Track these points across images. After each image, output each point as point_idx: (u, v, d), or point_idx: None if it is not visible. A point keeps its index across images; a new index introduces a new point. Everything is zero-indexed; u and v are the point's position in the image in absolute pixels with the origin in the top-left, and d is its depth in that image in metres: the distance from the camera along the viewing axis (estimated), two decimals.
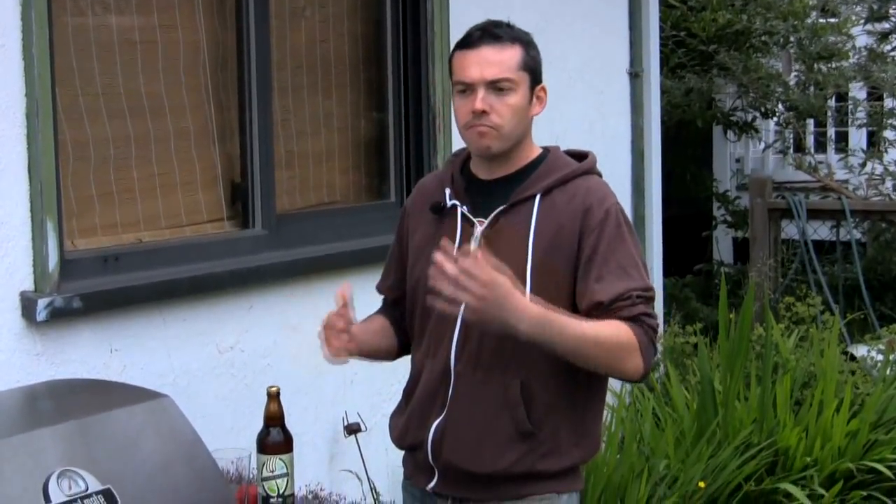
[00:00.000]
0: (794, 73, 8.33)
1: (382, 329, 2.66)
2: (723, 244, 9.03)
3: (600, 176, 2.56)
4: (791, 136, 8.64)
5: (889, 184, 8.12)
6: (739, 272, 7.88)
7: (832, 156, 8.85)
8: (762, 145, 9.12)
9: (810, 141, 8.93)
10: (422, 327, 2.55)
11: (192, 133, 3.69)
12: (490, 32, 2.45)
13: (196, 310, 3.49)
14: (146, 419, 2.57)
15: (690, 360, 5.34)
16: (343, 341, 2.46)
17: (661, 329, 5.69)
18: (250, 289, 3.66)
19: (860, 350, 5.69)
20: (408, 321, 2.63)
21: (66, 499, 2.29)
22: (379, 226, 4.07)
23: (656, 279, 5.75)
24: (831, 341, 4.98)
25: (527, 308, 2.28)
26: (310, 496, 3.49)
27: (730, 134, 9.02)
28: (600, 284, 2.39)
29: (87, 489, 2.33)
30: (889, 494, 4.36)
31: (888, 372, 5.00)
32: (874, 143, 8.49)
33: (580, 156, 2.57)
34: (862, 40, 8.48)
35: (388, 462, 3.79)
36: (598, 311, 2.39)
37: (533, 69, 2.48)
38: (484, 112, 2.41)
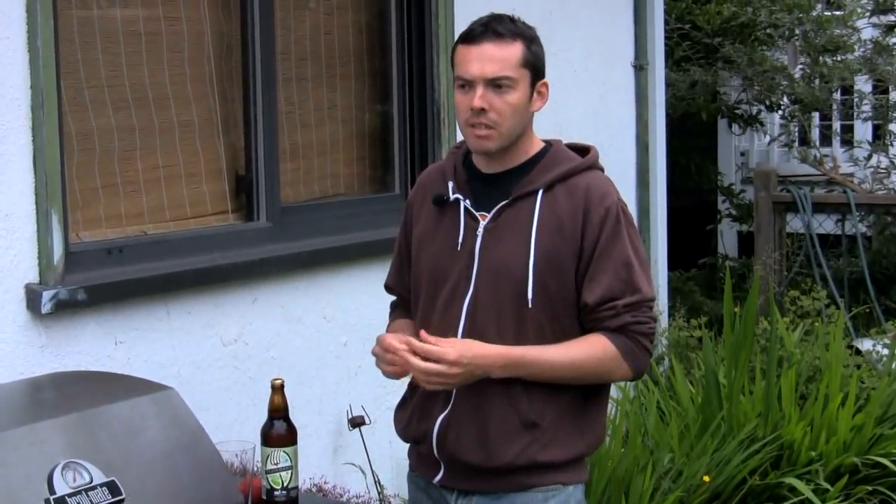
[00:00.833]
0: (799, 66, 8.31)
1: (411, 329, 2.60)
2: (728, 237, 9.01)
3: (602, 171, 2.56)
4: (796, 129, 8.60)
5: (894, 177, 8.10)
6: (744, 265, 7.87)
7: (837, 149, 8.83)
8: (767, 138, 9.09)
9: (815, 134, 8.90)
10: (425, 320, 2.54)
11: (196, 125, 3.68)
12: (492, 28, 2.43)
13: (200, 302, 3.49)
14: (150, 411, 2.57)
15: (695, 353, 5.34)
16: (397, 369, 2.44)
17: (664, 322, 5.69)
18: (254, 281, 3.66)
19: (865, 344, 5.68)
20: (412, 312, 2.63)
21: (70, 490, 2.29)
22: (383, 218, 4.07)
23: (661, 272, 5.75)
24: (836, 335, 4.97)
25: (496, 356, 2.38)
26: (314, 489, 3.49)
27: (735, 127, 9.01)
28: (591, 284, 2.42)
29: (92, 481, 2.33)
30: (894, 489, 4.35)
31: (893, 366, 4.99)
32: (879, 136, 8.46)
33: (582, 150, 2.56)
34: (867, 33, 8.46)
35: (392, 455, 3.79)
36: (585, 312, 2.43)
37: (534, 65, 2.46)
38: (482, 109, 2.41)
